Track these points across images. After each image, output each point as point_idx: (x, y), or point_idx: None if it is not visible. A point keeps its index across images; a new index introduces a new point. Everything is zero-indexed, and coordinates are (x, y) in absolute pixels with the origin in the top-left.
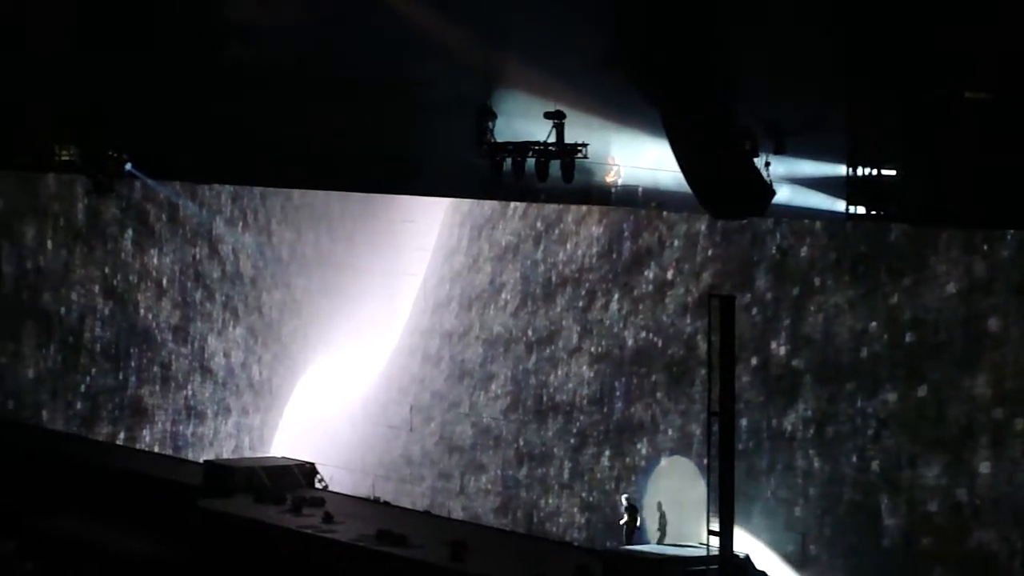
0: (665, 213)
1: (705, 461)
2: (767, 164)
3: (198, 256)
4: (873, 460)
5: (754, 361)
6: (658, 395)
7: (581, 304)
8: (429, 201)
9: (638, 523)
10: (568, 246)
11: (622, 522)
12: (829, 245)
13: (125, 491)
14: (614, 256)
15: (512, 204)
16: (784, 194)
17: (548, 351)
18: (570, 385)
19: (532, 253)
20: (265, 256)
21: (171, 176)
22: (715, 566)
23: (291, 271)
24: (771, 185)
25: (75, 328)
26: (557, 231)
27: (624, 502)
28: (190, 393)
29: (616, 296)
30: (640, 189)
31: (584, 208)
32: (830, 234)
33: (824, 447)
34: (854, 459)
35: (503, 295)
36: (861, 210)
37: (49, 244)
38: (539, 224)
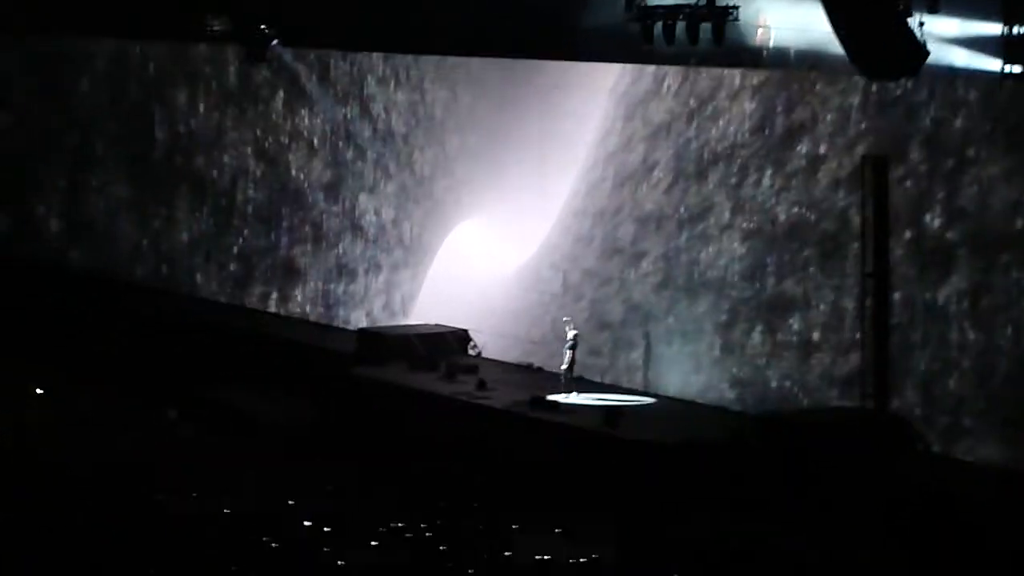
0: (818, 87)
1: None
2: (921, 23)
3: (349, 116)
4: None
5: (908, 234)
6: (810, 270)
7: (733, 180)
8: (580, 66)
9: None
10: (720, 122)
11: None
12: (983, 116)
13: (280, 359)
14: (767, 132)
15: (665, 82)
16: (938, 54)
17: (700, 228)
18: (721, 261)
19: (685, 131)
20: (417, 115)
21: (318, 46)
22: (872, 425)
23: (445, 129)
24: (925, 45)
25: (227, 190)
26: (710, 108)
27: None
28: (341, 251)
29: (768, 172)
30: (792, 51)
31: (736, 83)
32: (984, 105)
33: (978, 319)
34: (1009, 331)
35: (655, 173)
36: (1017, 69)
37: (201, 108)
38: (692, 101)
